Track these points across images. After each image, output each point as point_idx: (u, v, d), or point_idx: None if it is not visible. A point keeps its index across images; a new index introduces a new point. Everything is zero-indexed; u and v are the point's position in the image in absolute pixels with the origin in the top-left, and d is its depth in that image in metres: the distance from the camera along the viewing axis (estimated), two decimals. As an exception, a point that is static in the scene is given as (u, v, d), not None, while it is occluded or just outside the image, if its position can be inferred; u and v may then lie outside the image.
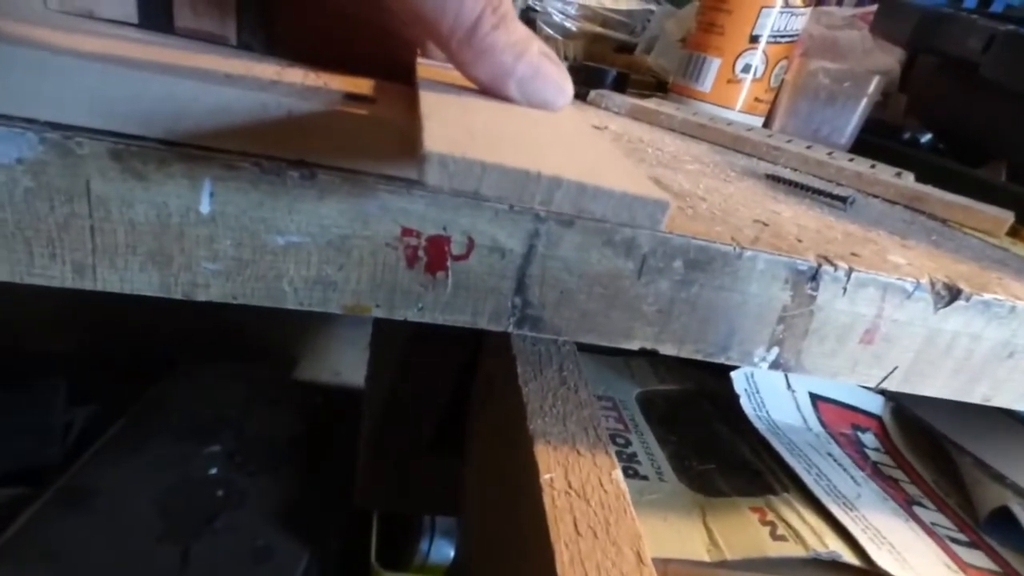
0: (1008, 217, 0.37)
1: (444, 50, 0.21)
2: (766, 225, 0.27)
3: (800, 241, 0.26)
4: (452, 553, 0.53)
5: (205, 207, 0.18)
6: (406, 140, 0.19)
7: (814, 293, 0.24)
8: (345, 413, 0.69)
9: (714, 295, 0.23)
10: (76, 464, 0.56)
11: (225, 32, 0.22)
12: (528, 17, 0.70)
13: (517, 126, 0.18)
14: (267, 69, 0.21)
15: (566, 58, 0.70)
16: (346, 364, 0.96)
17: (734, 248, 0.23)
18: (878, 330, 0.26)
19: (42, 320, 0.72)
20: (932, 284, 0.25)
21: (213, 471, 0.56)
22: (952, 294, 0.26)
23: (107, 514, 0.52)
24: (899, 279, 0.25)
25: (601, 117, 0.47)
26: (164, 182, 0.18)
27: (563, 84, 0.22)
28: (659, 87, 0.68)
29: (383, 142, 0.19)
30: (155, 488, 0.54)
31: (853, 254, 0.26)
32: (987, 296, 0.26)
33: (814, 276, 0.24)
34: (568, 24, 0.71)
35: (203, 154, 0.18)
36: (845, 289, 0.24)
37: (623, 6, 0.74)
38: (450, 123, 0.16)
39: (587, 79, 0.59)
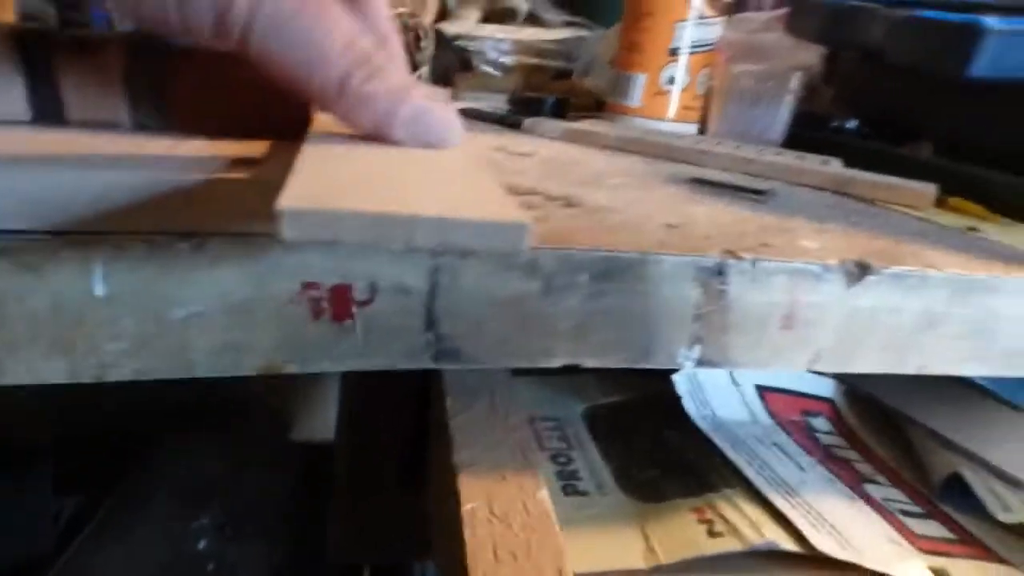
0: (931, 190, 0.38)
1: (322, 107, 0.22)
2: (676, 228, 0.27)
3: (708, 238, 0.26)
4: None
5: (99, 290, 0.19)
6: (289, 198, 0.20)
7: (724, 287, 0.25)
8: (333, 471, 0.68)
9: (626, 303, 0.24)
10: (65, 555, 0.55)
11: (117, 117, 0.23)
12: (463, 57, 0.72)
13: (390, 170, 0.19)
14: (160, 146, 0.22)
15: (506, 92, 0.72)
16: (339, 419, 0.96)
17: (638, 255, 0.23)
18: (796, 315, 0.26)
19: (18, 412, 0.72)
20: (842, 263, 0.26)
21: (202, 544, 0.55)
22: (862, 271, 0.26)
23: (100, 605, 0.51)
24: (806, 263, 0.25)
25: (534, 144, 0.48)
26: (56, 271, 0.18)
27: (450, 122, 0.23)
28: (599, 108, 0.70)
29: (269, 202, 0.20)
30: (145, 569, 0.53)
31: (763, 244, 0.27)
32: (898, 269, 0.27)
33: (720, 271, 0.24)
34: (504, 59, 0.74)
35: (92, 238, 0.18)
36: (753, 279, 0.25)
37: (555, 36, 0.77)
38: (315, 175, 0.17)
39: (526, 109, 0.60)
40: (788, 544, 0.25)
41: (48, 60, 0.22)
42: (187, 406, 0.78)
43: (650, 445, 0.32)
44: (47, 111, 0.23)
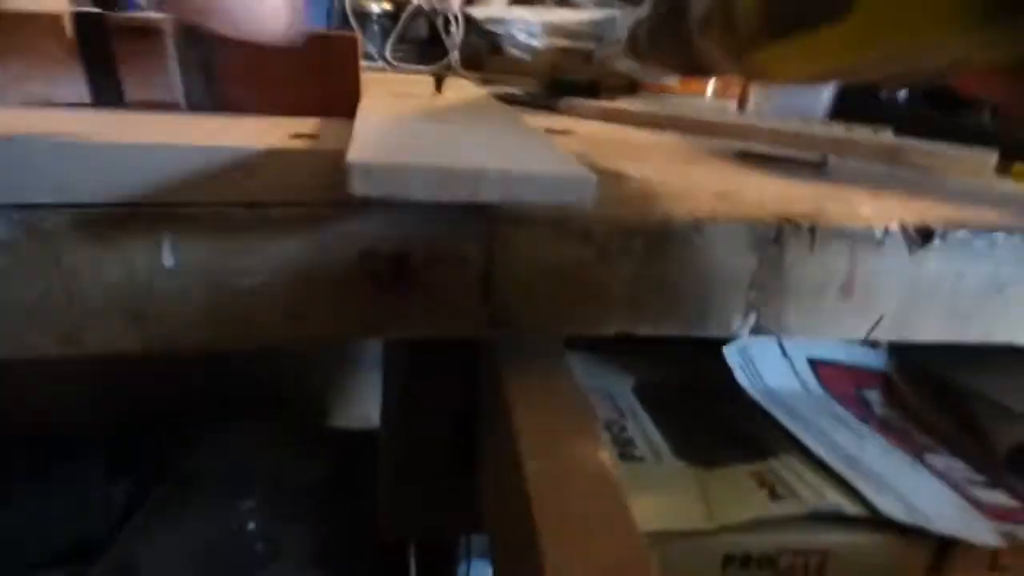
0: (991, 157, 0.37)
1: None
2: (727, 196, 0.27)
3: (762, 206, 0.26)
4: (491, 574, 0.52)
5: (169, 261, 0.19)
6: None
7: (780, 254, 0.24)
8: (375, 456, 0.69)
9: (681, 270, 0.24)
10: (119, 540, 0.57)
11: (174, 98, 0.23)
12: (493, 41, 0.72)
13: (449, 132, 0.19)
14: (215, 123, 0.22)
15: (536, 75, 0.71)
16: (374, 408, 0.97)
17: (692, 221, 0.23)
18: (855, 281, 0.26)
19: (71, 401, 0.75)
20: (903, 229, 0.25)
21: (251, 526, 0.57)
22: (924, 236, 0.25)
23: (154, 584, 0.53)
24: (867, 228, 0.25)
25: (571, 124, 0.48)
26: (128, 243, 0.19)
27: None
28: (632, 89, 0.69)
29: (328, 171, 0.20)
30: (196, 550, 0.54)
31: (819, 211, 0.26)
32: (963, 233, 0.26)
33: (777, 238, 0.24)
34: (534, 42, 0.73)
35: (161, 211, 0.19)
36: (812, 246, 0.24)
37: (586, 17, 0.76)
38: (377, 137, 0.17)
39: (558, 91, 0.60)
40: (852, 507, 0.25)
41: (106, 44, 0.23)
42: (230, 398, 0.80)
43: (702, 416, 0.32)
44: (106, 94, 0.23)
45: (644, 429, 0.30)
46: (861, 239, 0.25)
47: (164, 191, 0.19)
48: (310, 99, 0.25)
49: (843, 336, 0.27)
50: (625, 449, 0.28)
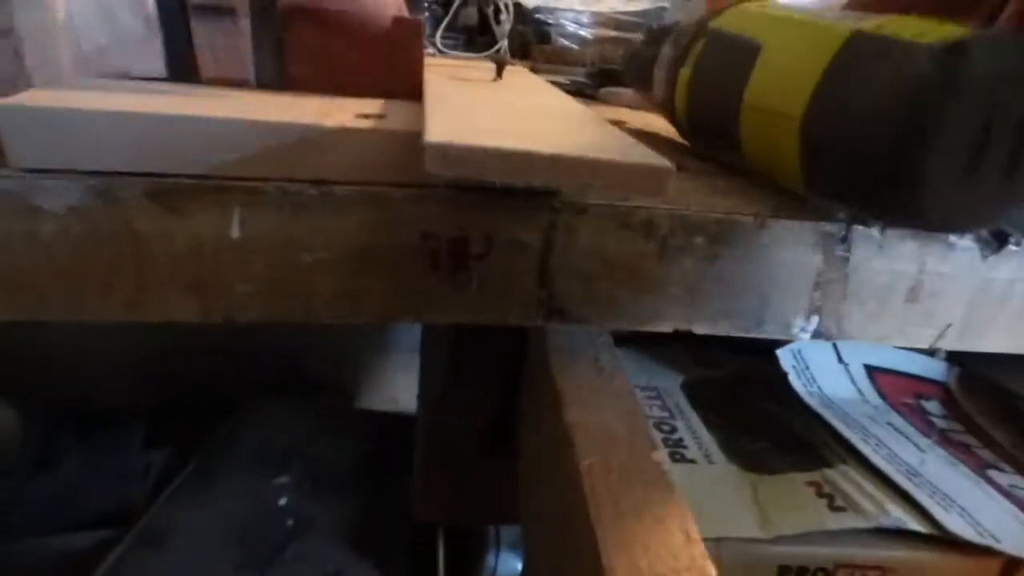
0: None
1: None
2: (788, 192, 0.26)
3: (827, 204, 0.25)
4: (519, 566, 0.53)
5: (235, 232, 0.19)
6: (416, 147, 0.20)
7: (847, 254, 0.24)
8: (405, 439, 0.70)
9: (742, 268, 0.23)
10: (155, 504, 0.59)
11: (244, 76, 0.23)
12: (542, 30, 0.71)
13: (518, 118, 0.19)
14: (284, 101, 0.22)
15: (584, 64, 0.71)
16: (403, 391, 0.98)
17: (756, 218, 0.22)
18: (923, 286, 0.25)
19: (114, 372, 0.77)
20: (977, 232, 0.24)
21: (283, 501, 0.58)
22: (1000, 240, 0.24)
23: (186, 550, 0.54)
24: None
25: (619, 114, 0.47)
26: (197, 213, 0.19)
27: None
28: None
29: (394, 152, 0.20)
30: (230, 521, 0.56)
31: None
32: (1040, 240, 0.25)
33: (844, 237, 0.23)
34: (583, 32, 0.72)
35: (231, 183, 0.19)
36: (880, 246, 0.24)
37: (635, 7, 0.75)
38: (452, 119, 0.17)
39: (604, 80, 0.59)
40: (916, 524, 0.24)
41: (184, 21, 0.23)
42: (260, 377, 0.81)
43: (753, 417, 0.31)
44: (181, 69, 0.24)
45: (693, 429, 0.29)
46: (932, 242, 0.24)
47: (235, 165, 0.19)
48: (374, 80, 0.25)
49: (907, 344, 0.26)
50: (676, 450, 0.27)
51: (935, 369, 0.37)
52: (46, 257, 0.19)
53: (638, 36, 0.74)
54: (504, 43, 0.68)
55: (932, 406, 0.34)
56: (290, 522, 0.56)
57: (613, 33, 0.74)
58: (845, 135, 0.19)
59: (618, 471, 0.19)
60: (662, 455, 0.20)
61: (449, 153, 0.14)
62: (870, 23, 0.19)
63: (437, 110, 0.17)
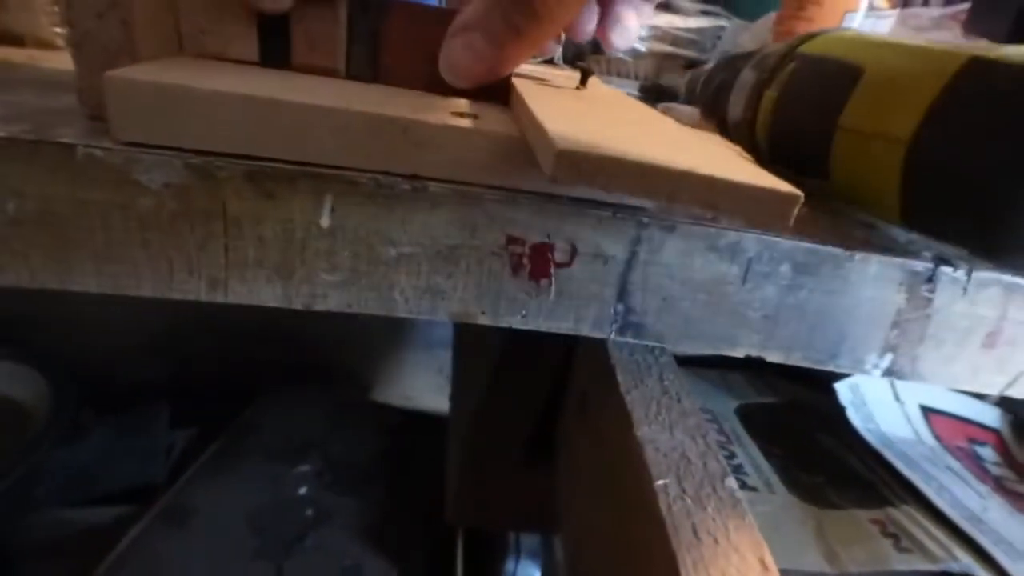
0: None
1: None
2: (874, 228, 0.26)
3: (912, 242, 0.25)
4: (538, 574, 0.52)
5: (326, 221, 0.19)
6: (511, 150, 0.20)
7: (930, 295, 0.23)
8: (424, 436, 0.70)
9: (824, 300, 0.23)
10: (177, 484, 0.59)
11: (336, 65, 0.23)
12: (596, 40, 0.71)
13: (629, 131, 0.19)
14: (378, 94, 0.22)
15: (637, 78, 0.70)
16: (416, 388, 0.98)
17: (845, 251, 0.22)
18: (1001, 333, 0.24)
19: (142, 352, 0.78)
20: (1063, 284, 0.24)
21: (302, 491, 0.58)
22: (1087, 293, 0.24)
23: (206, 532, 0.54)
24: (1025, 279, 0.23)
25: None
26: (291, 199, 0.19)
27: None
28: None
29: (489, 153, 0.20)
30: (249, 507, 0.56)
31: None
32: None
33: (930, 278, 0.23)
34: (638, 45, 0.72)
35: (326, 171, 0.19)
36: (965, 290, 0.23)
37: (693, 24, 0.74)
38: (570, 127, 0.17)
39: (660, 95, 0.59)
40: (984, 572, 0.23)
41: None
42: (281, 366, 0.82)
43: (809, 449, 0.30)
44: (274, 54, 0.24)
45: (752, 457, 0.29)
46: (1018, 289, 0.23)
47: (335, 153, 0.19)
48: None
49: (978, 389, 0.25)
50: (736, 476, 0.27)
51: (989, 415, 0.36)
52: (140, 232, 0.19)
53: (692, 53, 0.74)
54: (559, 50, 0.68)
55: (986, 452, 0.33)
56: (309, 512, 0.57)
57: (669, 48, 0.74)
58: (957, 159, 0.18)
59: (692, 493, 0.19)
60: (733, 481, 0.19)
61: (581, 162, 0.14)
62: (982, 50, 0.19)
63: (548, 116, 0.17)
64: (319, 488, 0.59)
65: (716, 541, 0.17)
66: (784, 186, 0.15)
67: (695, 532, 0.17)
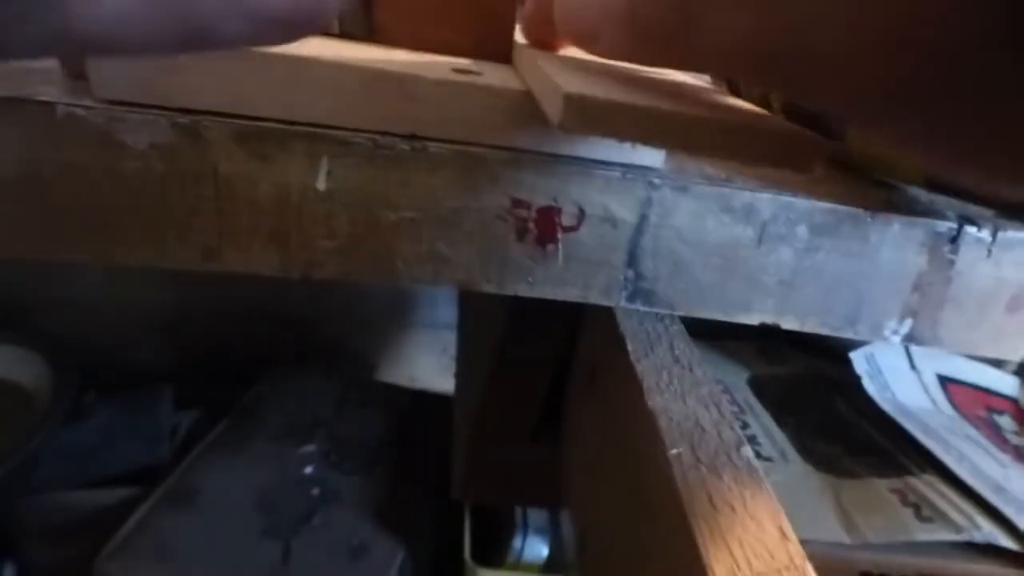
0: None
1: None
2: (897, 189, 0.25)
3: (934, 200, 0.24)
4: (545, 551, 0.52)
5: (322, 184, 0.19)
6: (516, 107, 0.19)
7: (953, 257, 0.22)
8: (430, 416, 0.69)
9: (842, 263, 0.22)
10: (183, 464, 0.59)
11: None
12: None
13: (643, 83, 0.18)
14: (373, 52, 0.21)
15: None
16: (421, 369, 0.98)
17: (865, 211, 0.21)
18: (1027, 297, 0.23)
19: (144, 333, 0.77)
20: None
21: (309, 470, 0.58)
22: (1117, 255, 0.23)
23: (212, 511, 0.54)
24: (1053, 239, 0.22)
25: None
26: (285, 161, 0.18)
27: None
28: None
29: (493, 110, 0.19)
30: (255, 486, 0.56)
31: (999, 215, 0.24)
32: None
33: (954, 238, 0.22)
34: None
35: (321, 132, 0.18)
36: (990, 252, 0.22)
37: None
38: (579, 77, 0.16)
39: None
40: (1008, 541, 0.23)
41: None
42: (290, 347, 0.81)
43: (824, 418, 0.30)
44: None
45: (765, 427, 0.28)
46: (1045, 251, 0.22)
47: (329, 112, 0.18)
48: (463, 38, 0.23)
49: (1000, 355, 0.24)
50: (750, 446, 0.26)
51: (1007, 384, 0.36)
52: (127, 197, 0.18)
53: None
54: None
55: (1004, 421, 0.33)
56: (316, 491, 0.56)
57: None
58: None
59: (707, 462, 0.18)
60: (749, 450, 0.19)
61: (588, 106, 0.13)
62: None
63: (557, 68, 0.16)
64: (326, 467, 0.59)
65: (733, 510, 0.17)
66: (806, 133, 0.14)
67: (711, 501, 0.17)
